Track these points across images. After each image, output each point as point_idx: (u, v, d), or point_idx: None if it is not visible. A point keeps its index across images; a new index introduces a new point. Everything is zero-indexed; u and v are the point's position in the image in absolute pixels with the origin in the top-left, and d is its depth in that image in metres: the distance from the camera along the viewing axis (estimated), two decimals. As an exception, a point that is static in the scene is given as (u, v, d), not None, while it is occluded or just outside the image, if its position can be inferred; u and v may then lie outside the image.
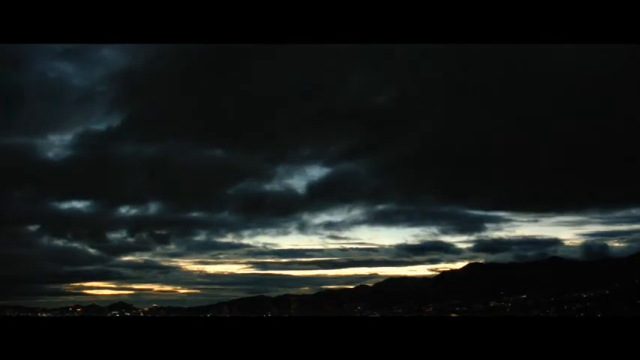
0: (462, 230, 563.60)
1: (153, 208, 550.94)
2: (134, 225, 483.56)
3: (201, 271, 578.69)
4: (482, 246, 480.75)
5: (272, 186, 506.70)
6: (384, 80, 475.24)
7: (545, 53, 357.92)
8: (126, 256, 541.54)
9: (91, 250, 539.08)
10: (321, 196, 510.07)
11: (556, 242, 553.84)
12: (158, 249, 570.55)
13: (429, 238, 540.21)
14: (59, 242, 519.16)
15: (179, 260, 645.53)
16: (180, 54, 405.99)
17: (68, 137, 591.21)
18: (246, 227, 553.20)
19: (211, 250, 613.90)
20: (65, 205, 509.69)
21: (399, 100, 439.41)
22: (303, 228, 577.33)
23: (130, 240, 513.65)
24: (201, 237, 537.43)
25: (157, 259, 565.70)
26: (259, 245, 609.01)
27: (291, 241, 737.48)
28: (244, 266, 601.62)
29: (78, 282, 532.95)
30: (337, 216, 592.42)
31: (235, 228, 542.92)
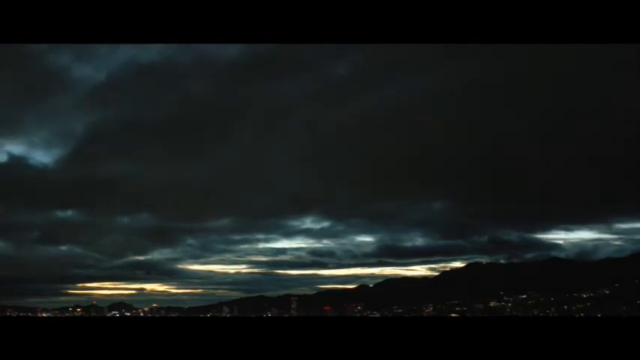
0: (458, 233, 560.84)
1: (150, 216, 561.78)
2: (132, 230, 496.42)
3: (200, 272, 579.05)
4: (481, 246, 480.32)
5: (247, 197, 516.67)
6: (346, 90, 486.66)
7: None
8: (125, 257, 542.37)
9: (90, 253, 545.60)
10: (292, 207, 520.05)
11: (556, 242, 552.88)
12: (157, 251, 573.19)
13: (424, 240, 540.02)
14: (60, 247, 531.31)
15: (178, 261, 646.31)
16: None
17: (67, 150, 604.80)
18: (237, 233, 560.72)
19: (209, 252, 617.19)
20: (64, 214, 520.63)
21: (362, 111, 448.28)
22: (289, 234, 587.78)
23: (129, 243, 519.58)
24: (197, 241, 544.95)
25: (156, 259, 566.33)
26: (255, 248, 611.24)
27: (286, 244, 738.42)
28: (244, 266, 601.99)
29: (78, 282, 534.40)
30: (317, 224, 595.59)
31: (227, 233, 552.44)
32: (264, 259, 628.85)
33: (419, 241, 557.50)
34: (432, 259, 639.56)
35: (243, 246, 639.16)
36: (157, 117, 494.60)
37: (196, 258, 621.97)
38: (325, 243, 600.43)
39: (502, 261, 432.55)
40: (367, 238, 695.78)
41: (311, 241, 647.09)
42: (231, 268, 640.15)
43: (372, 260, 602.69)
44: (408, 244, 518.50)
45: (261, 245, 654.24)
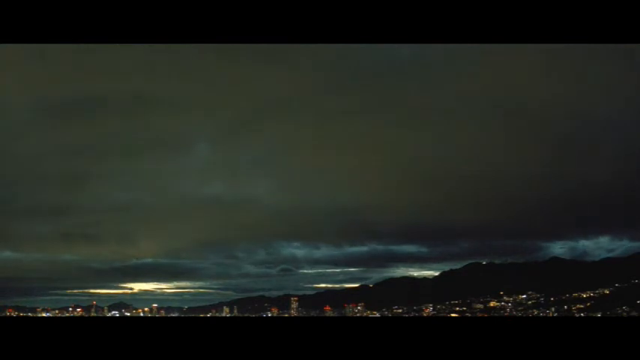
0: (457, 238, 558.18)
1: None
2: (133, 234, 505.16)
3: (200, 272, 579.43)
4: (481, 247, 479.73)
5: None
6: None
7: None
8: (127, 259, 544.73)
9: (90, 256, 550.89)
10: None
11: (556, 243, 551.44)
12: (158, 253, 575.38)
13: (423, 244, 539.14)
14: (61, 252, 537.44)
15: (179, 262, 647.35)
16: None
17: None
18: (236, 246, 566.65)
19: (208, 254, 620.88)
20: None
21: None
22: (288, 239, 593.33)
23: (128, 245, 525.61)
24: (195, 249, 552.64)
25: (157, 261, 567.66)
26: (253, 251, 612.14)
27: (286, 249, 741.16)
28: (243, 266, 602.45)
29: (78, 282, 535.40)
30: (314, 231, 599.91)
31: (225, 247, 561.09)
32: (263, 258, 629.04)
33: (418, 245, 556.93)
34: (431, 260, 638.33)
35: (241, 252, 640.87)
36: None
37: (196, 259, 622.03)
38: (325, 247, 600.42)
39: (502, 261, 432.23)
40: (365, 247, 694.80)
41: (311, 247, 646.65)
42: (230, 268, 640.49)
43: (372, 262, 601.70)
44: (408, 249, 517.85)
45: (262, 250, 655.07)
